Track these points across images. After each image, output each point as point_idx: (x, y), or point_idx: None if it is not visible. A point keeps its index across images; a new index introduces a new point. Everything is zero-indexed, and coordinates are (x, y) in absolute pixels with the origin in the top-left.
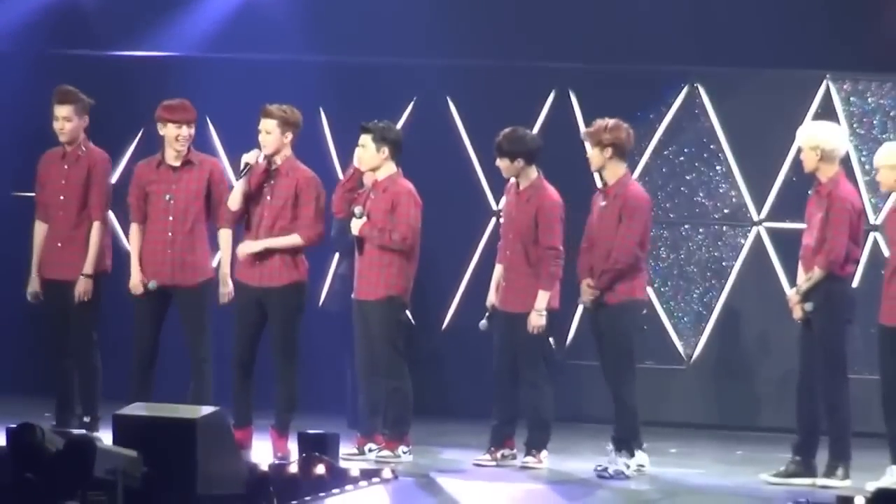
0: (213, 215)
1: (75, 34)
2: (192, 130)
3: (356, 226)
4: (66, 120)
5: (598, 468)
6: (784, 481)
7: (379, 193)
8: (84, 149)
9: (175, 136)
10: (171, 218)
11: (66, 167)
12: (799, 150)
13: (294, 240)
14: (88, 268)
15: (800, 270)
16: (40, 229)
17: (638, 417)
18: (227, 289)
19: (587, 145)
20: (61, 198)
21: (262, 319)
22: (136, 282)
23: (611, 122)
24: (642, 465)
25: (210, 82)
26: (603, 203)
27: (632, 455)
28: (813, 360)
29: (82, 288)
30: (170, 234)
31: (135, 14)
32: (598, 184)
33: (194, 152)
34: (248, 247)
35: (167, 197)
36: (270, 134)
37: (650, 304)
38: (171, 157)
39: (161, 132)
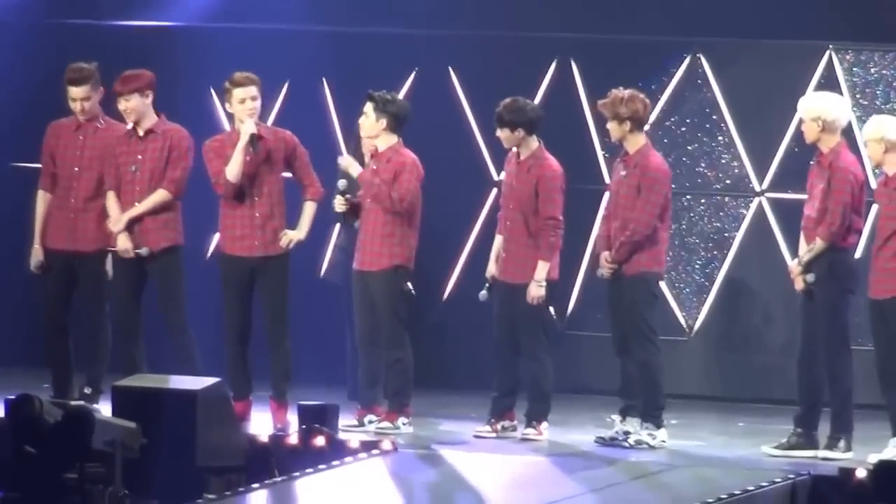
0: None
1: (76, 3)
2: (140, 101)
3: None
4: (84, 100)
5: (614, 435)
6: (785, 453)
7: (382, 164)
8: (103, 121)
9: (123, 109)
10: (137, 189)
11: (81, 138)
12: (800, 122)
13: (314, 204)
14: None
15: (801, 241)
16: (44, 199)
17: (663, 390)
18: (124, 245)
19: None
20: (76, 169)
21: (251, 289)
22: (126, 246)
23: (626, 93)
24: (664, 441)
25: (212, 52)
26: (623, 172)
27: (659, 427)
28: (815, 331)
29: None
30: (137, 205)
31: None
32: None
33: (161, 121)
34: (299, 233)
35: (133, 168)
36: (257, 100)
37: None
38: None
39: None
